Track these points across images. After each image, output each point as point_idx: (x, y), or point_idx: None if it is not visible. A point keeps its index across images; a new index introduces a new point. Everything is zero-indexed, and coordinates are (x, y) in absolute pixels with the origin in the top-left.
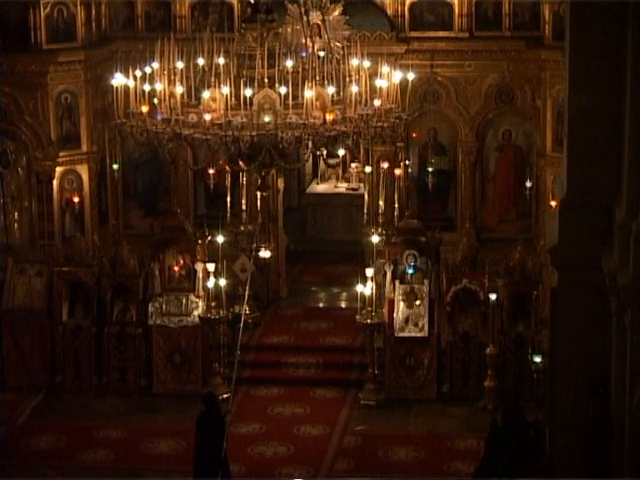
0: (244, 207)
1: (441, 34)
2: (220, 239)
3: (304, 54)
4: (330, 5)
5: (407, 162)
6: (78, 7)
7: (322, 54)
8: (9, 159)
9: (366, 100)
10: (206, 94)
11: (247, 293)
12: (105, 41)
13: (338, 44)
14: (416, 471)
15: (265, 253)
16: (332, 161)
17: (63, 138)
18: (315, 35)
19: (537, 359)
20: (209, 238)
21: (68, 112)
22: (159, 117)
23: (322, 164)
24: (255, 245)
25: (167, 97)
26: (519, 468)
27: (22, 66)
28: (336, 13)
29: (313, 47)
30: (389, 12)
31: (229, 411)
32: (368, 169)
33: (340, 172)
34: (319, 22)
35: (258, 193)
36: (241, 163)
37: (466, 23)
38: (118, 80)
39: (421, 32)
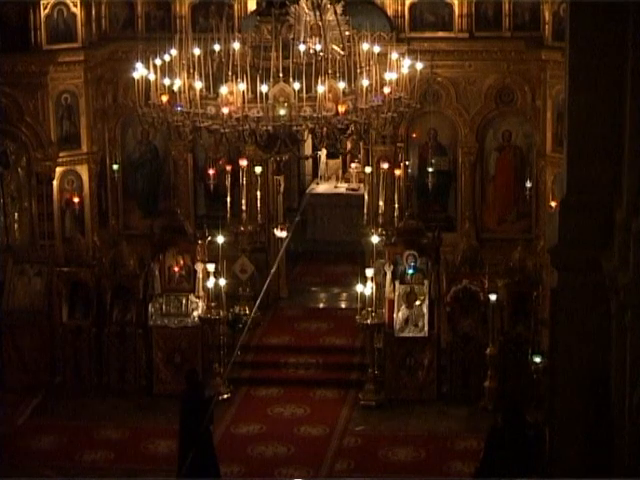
0: (244, 207)
1: (441, 34)
2: (220, 239)
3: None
4: (330, 5)
5: (407, 162)
6: (78, 7)
7: (322, 54)
8: (9, 159)
9: (376, 90)
10: (224, 89)
11: (263, 290)
12: (105, 41)
13: (340, 48)
14: (416, 471)
15: (281, 233)
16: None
17: (63, 138)
18: (315, 35)
19: (537, 359)
20: (209, 238)
21: (68, 112)
22: (178, 109)
23: (322, 165)
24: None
25: (186, 89)
26: (519, 468)
27: (22, 66)
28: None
29: (326, 41)
30: (389, 12)
31: (215, 395)
32: (368, 169)
33: (340, 172)
34: (319, 22)
35: (258, 193)
36: (243, 162)
37: (466, 23)
38: (139, 72)
39: (421, 32)
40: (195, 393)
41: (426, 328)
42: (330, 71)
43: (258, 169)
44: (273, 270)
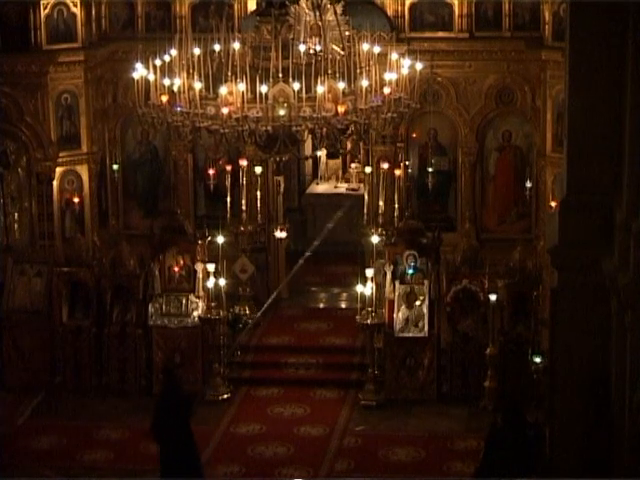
0: (244, 207)
1: (441, 34)
2: (220, 239)
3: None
4: (330, 5)
5: (407, 162)
6: (78, 7)
7: (322, 54)
8: (9, 159)
9: (376, 90)
10: (224, 89)
11: (270, 299)
12: (105, 41)
13: (340, 48)
14: (416, 471)
15: (281, 234)
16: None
17: (63, 138)
18: (315, 36)
19: (537, 359)
20: (209, 238)
21: (68, 112)
22: (178, 109)
23: (322, 165)
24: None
25: (186, 89)
26: (519, 468)
27: (22, 66)
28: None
29: (325, 42)
30: (389, 12)
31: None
32: (368, 169)
33: (340, 172)
34: (319, 22)
35: (258, 193)
36: (243, 162)
37: (466, 23)
38: (138, 72)
39: (421, 32)
40: (173, 389)
41: (426, 328)
42: (330, 71)
43: (258, 169)
44: (281, 285)
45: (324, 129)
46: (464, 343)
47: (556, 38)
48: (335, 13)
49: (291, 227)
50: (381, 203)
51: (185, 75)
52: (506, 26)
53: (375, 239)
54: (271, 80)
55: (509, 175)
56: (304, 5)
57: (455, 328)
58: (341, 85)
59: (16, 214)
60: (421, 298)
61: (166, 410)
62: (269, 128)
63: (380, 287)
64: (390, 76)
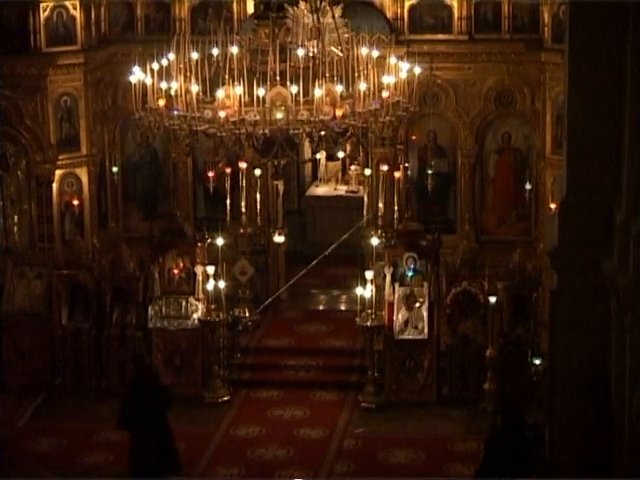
0: (243, 210)
1: (440, 37)
2: (220, 242)
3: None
4: (328, 8)
5: (407, 165)
6: (78, 10)
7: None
8: (9, 162)
9: (374, 93)
10: (221, 93)
11: (279, 292)
12: (105, 44)
13: (338, 50)
14: (416, 474)
15: (279, 238)
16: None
17: (63, 141)
18: (314, 38)
19: (537, 361)
20: (209, 241)
21: (68, 115)
22: (175, 112)
23: (322, 167)
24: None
25: (183, 93)
26: (519, 470)
27: (22, 69)
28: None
29: (324, 45)
30: (388, 15)
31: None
32: (367, 172)
33: (340, 175)
34: (318, 25)
35: (258, 195)
36: (243, 164)
37: (465, 26)
38: (136, 75)
39: (420, 35)
40: (146, 379)
41: (426, 330)
42: (328, 75)
43: (257, 171)
44: (281, 290)
45: (322, 132)
46: (464, 345)
47: (555, 40)
48: (333, 16)
49: (290, 229)
50: (381, 205)
51: (182, 78)
52: (505, 28)
53: (375, 241)
54: (268, 83)
55: (509, 177)
56: (303, 8)
57: (455, 330)
58: (339, 88)
59: (16, 217)
60: (421, 300)
61: (138, 402)
62: (266, 131)
63: (380, 289)
64: (388, 79)
